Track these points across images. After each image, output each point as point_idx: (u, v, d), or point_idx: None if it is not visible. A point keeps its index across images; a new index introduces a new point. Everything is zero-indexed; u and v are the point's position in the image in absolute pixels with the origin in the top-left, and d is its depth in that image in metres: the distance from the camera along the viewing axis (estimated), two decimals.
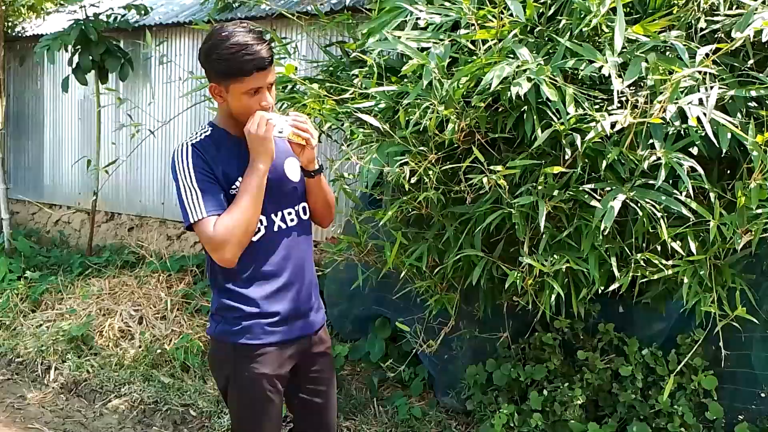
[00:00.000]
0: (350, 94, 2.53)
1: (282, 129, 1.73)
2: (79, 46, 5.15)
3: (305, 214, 1.91)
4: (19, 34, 6.36)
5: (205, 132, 1.79)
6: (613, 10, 1.96)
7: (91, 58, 5.13)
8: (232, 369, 1.83)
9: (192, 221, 1.70)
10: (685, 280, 2.10)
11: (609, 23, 2.03)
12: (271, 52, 1.69)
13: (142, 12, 5.27)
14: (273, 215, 1.81)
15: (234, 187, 1.73)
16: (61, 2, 6.30)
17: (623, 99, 1.96)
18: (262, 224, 1.78)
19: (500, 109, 2.21)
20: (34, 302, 4.66)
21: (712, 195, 2.06)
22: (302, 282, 1.88)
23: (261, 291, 1.79)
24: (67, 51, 5.24)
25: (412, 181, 2.25)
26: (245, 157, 1.74)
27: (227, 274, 1.79)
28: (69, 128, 6.17)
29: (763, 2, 2.02)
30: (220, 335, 1.83)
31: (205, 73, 1.74)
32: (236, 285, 1.79)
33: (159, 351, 3.91)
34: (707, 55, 1.90)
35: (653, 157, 1.97)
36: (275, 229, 1.81)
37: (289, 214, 1.85)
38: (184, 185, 1.71)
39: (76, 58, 5.20)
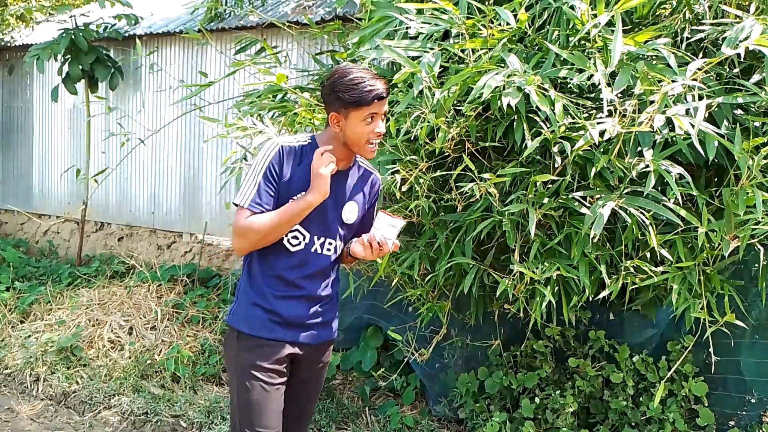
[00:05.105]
0: None
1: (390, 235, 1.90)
2: (68, 56, 5.14)
3: (340, 250, 2.03)
4: (8, 44, 6.33)
5: (303, 141, 1.94)
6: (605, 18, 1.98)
7: (80, 67, 5.12)
8: (234, 356, 1.97)
9: (235, 202, 1.90)
10: (675, 287, 2.11)
11: (600, 33, 2.05)
12: (388, 85, 1.87)
13: (132, 21, 5.27)
14: (316, 237, 1.95)
15: (296, 197, 1.89)
16: (51, 12, 6.29)
17: (612, 107, 1.98)
18: (304, 239, 1.93)
19: (490, 118, 2.22)
20: (22, 313, 4.61)
21: (700, 202, 2.07)
22: (318, 301, 2.00)
23: (277, 290, 1.94)
24: (56, 60, 5.23)
25: (404, 189, 2.26)
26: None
27: (261, 261, 1.95)
28: (58, 138, 6.14)
29: (754, 12, 2.05)
30: (232, 321, 1.99)
31: (325, 106, 1.91)
32: (262, 273, 1.95)
33: (149, 361, 3.88)
34: (700, 68, 1.92)
35: (642, 165, 1.99)
36: (312, 249, 1.95)
37: (330, 243, 1.98)
38: (251, 171, 1.90)
39: (65, 68, 5.18)
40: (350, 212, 2.00)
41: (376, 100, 1.82)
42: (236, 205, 1.89)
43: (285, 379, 1.98)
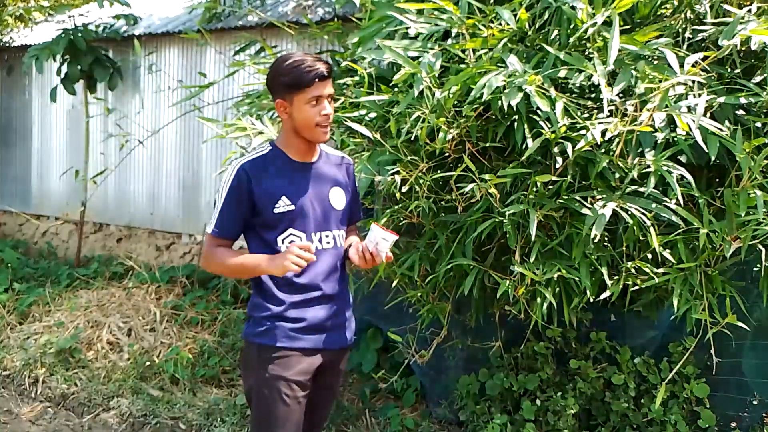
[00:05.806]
0: (341, 104, 2.53)
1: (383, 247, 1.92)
2: (67, 56, 5.13)
3: (341, 240, 2.04)
4: (7, 44, 6.32)
5: (262, 150, 1.96)
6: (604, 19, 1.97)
7: (79, 67, 5.10)
8: (256, 370, 1.94)
9: (205, 229, 1.96)
10: (676, 288, 2.10)
11: (599, 33, 2.04)
12: (329, 66, 1.87)
13: (131, 22, 5.26)
14: (313, 234, 1.95)
15: (278, 205, 1.90)
16: (50, 12, 6.28)
17: (613, 107, 1.97)
18: (302, 241, 1.93)
19: (491, 118, 2.21)
20: (21, 314, 4.59)
21: (701, 202, 2.06)
22: (336, 299, 2.01)
23: (292, 297, 1.93)
24: (55, 61, 5.21)
25: (404, 190, 2.25)
26: (290, 178, 1.93)
27: (270, 275, 1.93)
28: (57, 138, 6.12)
29: (755, 12, 2.04)
30: (248, 336, 1.98)
31: (271, 95, 1.92)
32: (273, 285, 1.94)
33: (148, 363, 3.86)
34: (696, 63, 1.92)
35: (643, 165, 1.98)
36: (313, 247, 1.92)
37: (327, 236, 1.98)
38: (216, 198, 1.93)
39: (64, 68, 5.17)
40: (337, 198, 2.01)
41: (317, 80, 1.83)
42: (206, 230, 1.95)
43: (307, 392, 1.96)
